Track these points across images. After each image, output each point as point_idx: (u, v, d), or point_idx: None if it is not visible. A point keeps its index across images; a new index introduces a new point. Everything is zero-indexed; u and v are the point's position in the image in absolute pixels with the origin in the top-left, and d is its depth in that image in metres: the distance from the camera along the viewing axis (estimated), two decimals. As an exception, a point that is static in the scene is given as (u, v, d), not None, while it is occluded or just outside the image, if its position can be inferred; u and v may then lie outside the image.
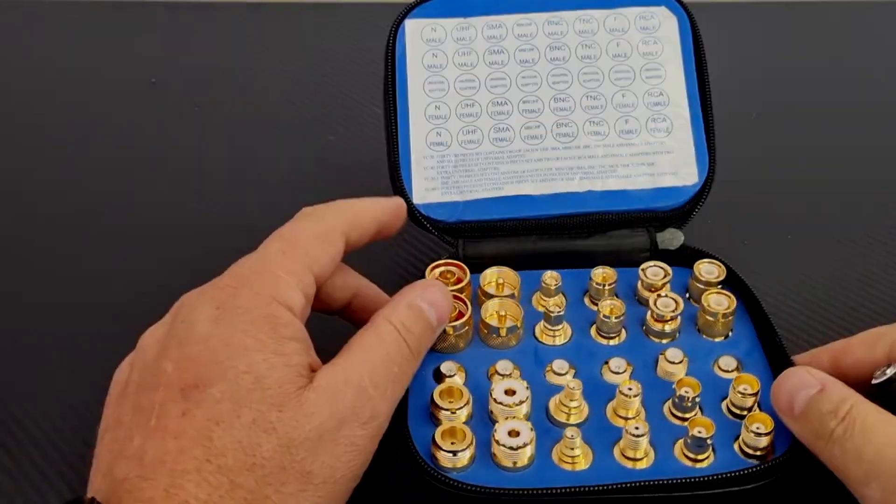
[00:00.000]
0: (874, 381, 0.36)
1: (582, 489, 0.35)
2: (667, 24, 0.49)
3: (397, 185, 0.47)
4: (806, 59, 0.70)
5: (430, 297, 0.38)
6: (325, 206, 0.40)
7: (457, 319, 0.41)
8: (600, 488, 0.35)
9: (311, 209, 0.40)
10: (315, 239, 0.37)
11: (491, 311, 0.43)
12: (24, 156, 0.62)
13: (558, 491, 0.35)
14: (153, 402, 0.32)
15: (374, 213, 0.41)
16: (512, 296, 0.44)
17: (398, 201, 0.44)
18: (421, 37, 0.49)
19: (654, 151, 0.48)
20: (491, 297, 0.44)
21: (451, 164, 0.47)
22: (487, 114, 0.48)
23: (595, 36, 0.49)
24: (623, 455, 0.37)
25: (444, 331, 0.41)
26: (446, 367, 0.41)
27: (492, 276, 0.45)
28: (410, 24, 0.49)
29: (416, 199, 0.47)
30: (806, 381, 0.35)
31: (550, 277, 0.44)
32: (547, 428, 0.38)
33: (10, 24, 0.77)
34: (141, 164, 0.61)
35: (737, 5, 0.77)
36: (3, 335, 0.48)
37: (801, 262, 0.51)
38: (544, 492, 0.35)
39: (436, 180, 0.47)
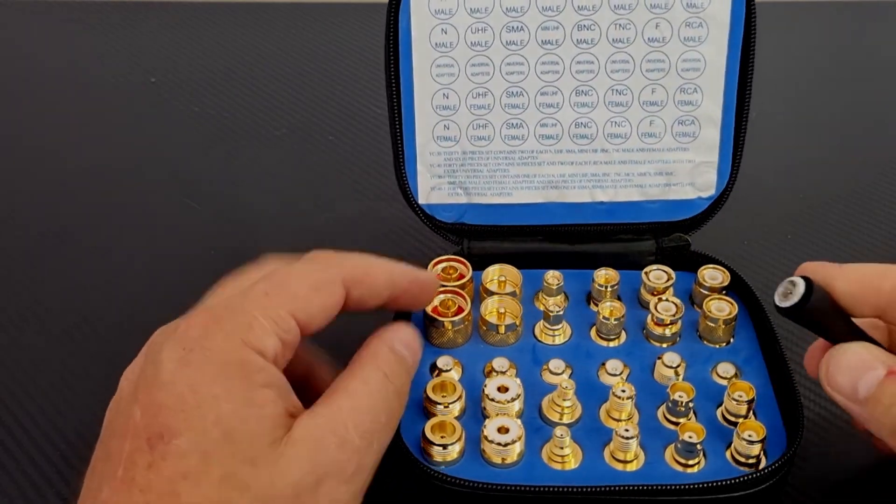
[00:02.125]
0: (781, 306, 0.34)
1: (568, 489, 0.35)
2: (718, 1, 0.43)
3: (402, 180, 0.45)
4: (807, 59, 0.70)
5: (405, 339, 0.36)
6: (333, 254, 0.36)
7: (456, 315, 0.42)
8: (586, 489, 0.35)
9: (318, 254, 0.36)
10: (308, 285, 0.34)
11: (491, 309, 0.43)
12: (24, 156, 0.62)
13: (545, 489, 0.35)
14: (121, 450, 0.30)
15: (389, 275, 0.37)
16: (513, 294, 0.44)
17: (427, 278, 0.40)
18: (428, 7, 0.43)
19: (675, 160, 0.45)
20: (492, 294, 0.44)
21: (458, 161, 0.46)
22: (501, 106, 0.44)
23: (632, 13, 0.43)
24: (613, 457, 0.37)
25: (443, 325, 0.41)
26: (443, 361, 0.41)
27: (494, 274, 0.45)
28: (414, 3, 0.43)
29: (421, 199, 0.46)
30: (868, 361, 0.33)
31: (552, 277, 0.44)
32: (539, 426, 0.38)
33: (10, 24, 0.77)
34: (140, 163, 0.61)
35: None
36: (3, 335, 0.48)
37: (802, 262, 0.51)
38: (531, 489, 0.35)
39: (442, 178, 0.46)
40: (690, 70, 0.44)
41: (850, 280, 0.35)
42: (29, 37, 0.76)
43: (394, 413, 0.34)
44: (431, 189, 0.46)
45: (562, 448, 0.37)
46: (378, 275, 0.36)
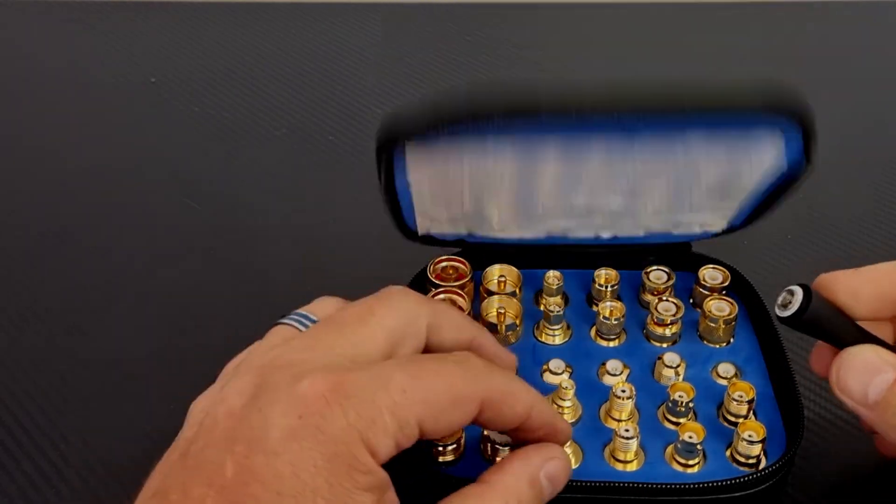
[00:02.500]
0: (781, 316, 0.34)
1: (568, 487, 0.35)
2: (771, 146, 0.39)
3: (398, 222, 0.42)
4: (808, 59, 0.70)
5: (553, 471, 0.32)
6: (487, 366, 0.32)
7: None
8: (586, 485, 0.35)
9: (473, 359, 0.32)
10: (449, 398, 0.30)
11: (491, 309, 0.43)
12: (24, 155, 0.62)
13: None
14: (205, 496, 0.28)
15: (527, 410, 0.32)
16: (513, 294, 0.44)
17: (563, 427, 0.34)
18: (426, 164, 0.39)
19: (695, 209, 0.43)
20: (492, 294, 0.44)
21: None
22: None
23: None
24: (612, 457, 0.37)
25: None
26: None
27: (494, 274, 0.45)
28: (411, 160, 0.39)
29: (421, 230, 0.43)
30: (878, 364, 0.33)
31: (553, 277, 0.44)
32: None
33: (10, 24, 0.77)
34: (140, 163, 0.61)
35: (738, 5, 0.77)
36: (3, 335, 0.48)
37: (802, 262, 0.51)
38: None
39: (441, 219, 0.43)
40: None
41: (850, 282, 0.35)
42: (29, 37, 0.76)
43: None
44: (431, 221, 0.43)
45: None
46: (517, 407, 0.32)
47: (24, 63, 0.72)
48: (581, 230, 0.44)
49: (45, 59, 0.73)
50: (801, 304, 0.33)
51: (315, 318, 0.35)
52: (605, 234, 0.45)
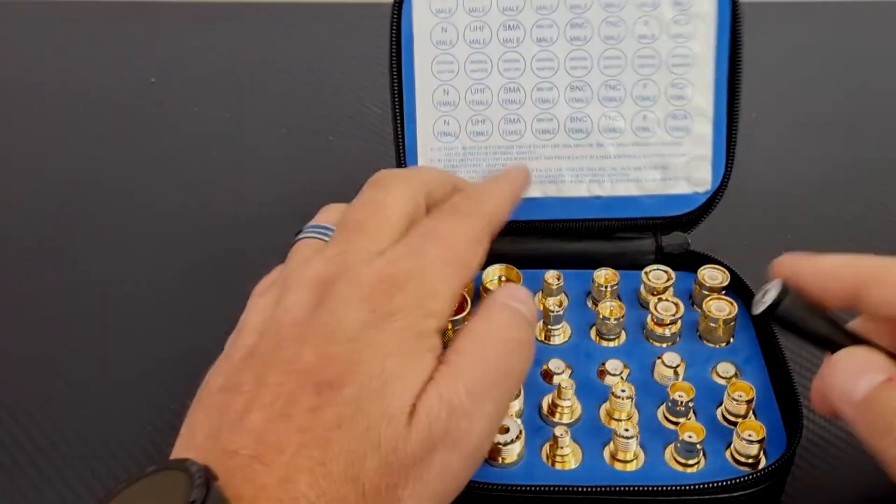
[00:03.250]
0: (754, 313, 0.35)
1: (568, 489, 0.35)
2: (703, 3, 0.45)
3: None
4: (808, 59, 0.70)
5: (516, 294, 0.35)
6: (476, 202, 0.37)
7: (456, 315, 0.42)
8: (586, 489, 0.35)
9: (461, 202, 0.36)
10: (471, 244, 0.35)
11: None
12: (23, 156, 0.62)
13: (545, 489, 0.35)
14: (283, 385, 0.30)
15: (514, 196, 0.39)
16: None
17: (525, 172, 0.42)
18: (430, 7, 0.45)
19: (669, 154, 0.46)
20: None
21: (458, 157, 0.46)
22: (498, 102, 0.46)
23: (622, 11, 0.45)
24: (612, 457, 0.37)
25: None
26: None
27: (494, 274, 0.45)
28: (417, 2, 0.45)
29: None
30: (867, 364, 0.33)
31: (552, 277, 0.44)
32: (538, 426, 0.38)
33: (10, 24, 0.77)
34: (140, 163, 0.61)
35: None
36: (3, 335, 0.48)
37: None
38: (531, 489, 0.35)
39: None
40: (680, 65, 0.45)
41: (817, 271, 0.35)
42: (29, 37, 0.76)
43: (510, 368, 0.33)
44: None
45: (562, 448, 0.37)
46: (510, 206, 0.38)
47: (23, 63, 0.72)
48: (572, 181, 0.46)
49: (45, 60, 0.73)
50: (775, 299, 0.33)
51: (332, 227, 0.37)
52: (598, 191, 0.46)
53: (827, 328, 0.35)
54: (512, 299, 0.35)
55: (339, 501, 0.29)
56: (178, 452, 0.31)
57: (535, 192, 0.47)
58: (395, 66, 0.45)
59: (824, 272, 0.35)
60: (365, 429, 0.29)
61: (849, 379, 0.33)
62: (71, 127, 0.65)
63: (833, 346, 0.34)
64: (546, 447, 0.37)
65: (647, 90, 0.45)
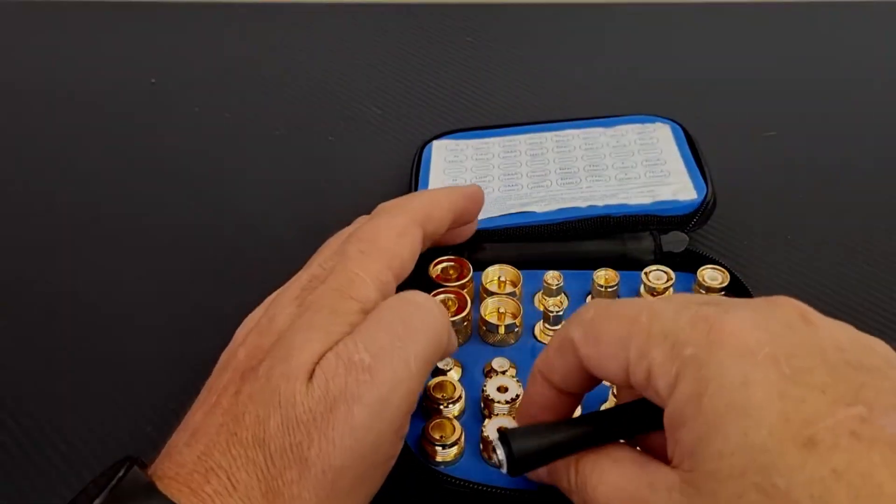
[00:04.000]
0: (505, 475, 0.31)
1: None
2: (661, 130, 0.55)
3: None
4: (808, 60, 0.70)
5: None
6: (400, 201, 0.40)
7: (456, 315, 0.42)
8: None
9: (387, 205, 0.40)
10: (393, 236, 0.38)
11: (491, 309, 0.43)
12: (23, 156, 0.62)
13: (544, 489, 0.35)
14: (219, 384, 0.33)
15: (449, 201, 0.42)
16: (513, 294, 0.44)
17: (475, 188, 0.44)
18: (445, 148, 0.57)
19: (655, 184, 0.50)
20: (492, 294, 0.44)
21: None
22: (498, 178, 0.53)
23: (598, 139, 0.56)
24: None
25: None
26: (443, 361, 0.41)
27: (494, 274, 0.45)
28: (437, 143, 0.57)
29: None
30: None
31: (552, 277, 0.44)
32: None
33: (10, 24, 0.77)
34: (141, 164, 0.61)
35: (737, 6, 0.77)
36: (3, 335, 0.48)
37: (802, 263, 0.51)
38: (530, 490, 0.35)
39: None
40: (650, 151, 0.54)
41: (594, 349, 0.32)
42: (29, 37, 0.76)
43: (412, 324, 0.33)
44: None
45: None
46: (443, 204, 0.41)
47: (23, 63, 0.72)
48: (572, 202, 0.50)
49: (45, 60, 0.73)
50: (508, 455, 0.31)
51: None
52: (595, 204, 0.49)
53: (567, 433, 0.31)
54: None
55: (250, 465, 0.30)
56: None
57: (534, 209, 0.49)
58: (414, 179, 0.54)
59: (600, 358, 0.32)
60: (270, 392, 0.31)
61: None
62: (71, 127, 0.65)
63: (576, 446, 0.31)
64: None
65: (625, 164, 0.53)
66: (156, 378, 0.45)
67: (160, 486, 0.29)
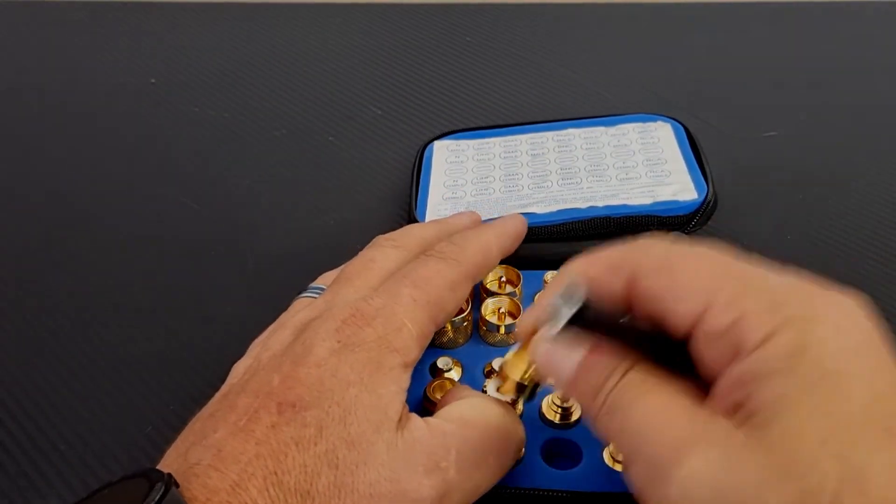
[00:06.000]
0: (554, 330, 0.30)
1: (568, 493, 0.35)
2: (663, 129, 0.56)
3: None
4: (808, 60, 0.70)
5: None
6: (459, 249, 0.39)
7: (456, 315, 0.42)
8: (586, 494, 0.35)
9: (446, 248, 0.39)
10: (447, 289, 0.37)
11: (491, 309, 0.43)
12: (23, 156, 0.62)
13: (544, 493, 0.35)
14: (249, 406, 0.32)
15: (499, 249, 0.41)
16: (513, 294, 0.44)
17: (521, 224, 0.43)
18: (447, 149, 0.57)
19: (655, 184, 0.50)
20: (492, 294, 0.44)
21: (463, 207, 0.51)
22: (500, 179, 0.53)
23: (599, 139, 0.56)
24: (612, 457, 0.37)
25: (444, 325, 0.41)
26: (443, 361, 0.41)
27: (494, 274, 0.45)
28: (438, 143, 0.57)
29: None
30: (569, 341, 0.31)
31: (553, 277, 0.44)
32: (538, 427, 0.38)
33: (10, 24, 0.77)
34: (141, 164, 0.61)
35: (737, 6, 0.77)
36: (3, 335, 0.48)
37: (803, 263, 0.51)
38: (530, 489, 0.35)
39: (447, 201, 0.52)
40: (652, 151, 0.54)
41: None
42: (28, 37, 0.76)
43: (501, 461, 0.34)
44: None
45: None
46: (494, 253, 0.40)
47: (23, 63, 0.72)
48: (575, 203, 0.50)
49: (45, 59, 0.73)
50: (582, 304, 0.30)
51: (320, 288, 0.41)
52: (596, 204, 0.49)
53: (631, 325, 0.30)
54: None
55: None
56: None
57: (534, 209, 0.49)
58: (415, 182, 0.54)
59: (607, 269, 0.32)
60: (324, 451, 0.31)
61: (553, 360, 0.31)
62: (70, 127, 0.65)
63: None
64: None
65: (626, 163, 0.53)
66: (156, 378, 0.45)
67: None
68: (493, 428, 0.34)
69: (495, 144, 0.57)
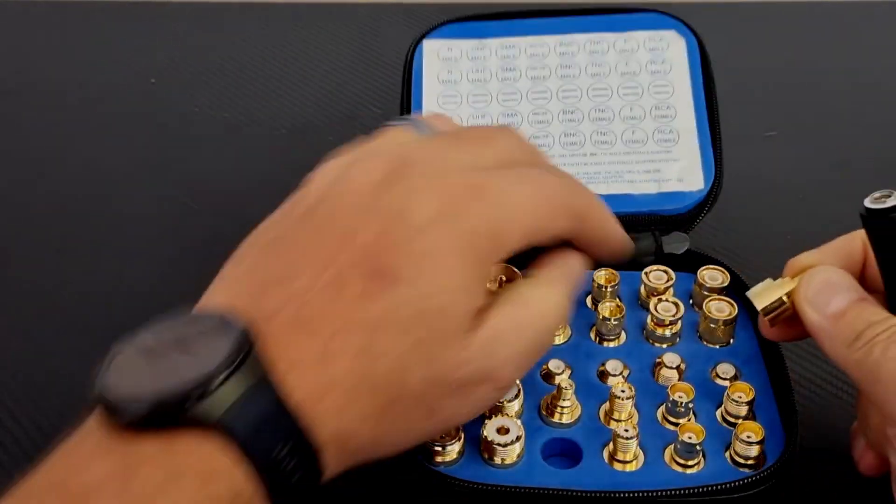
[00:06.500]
0: (867, 210, 0.35)
1: (567, 491, 0.35)
2: (675, 46, 0.51)
3: None
4: (808, 60, 0.70)
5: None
6: (578, 184, 0.36)
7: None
8: (585, 494, 0.35)
9: (568, 176, 0.36)
10: (560, 208, 0.34)
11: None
12: (23, 156, 0.62)
13: (544, 492, 0.35)
14: (334, 256, 0.29)
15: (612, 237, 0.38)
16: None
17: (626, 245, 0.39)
18: (437, 55, 0.52)
19: (661, 160, 0.49)
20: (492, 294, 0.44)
21: None
22: (497, 120, 0.50)
23: (605, 56, 0.51)
24: (612, 457, 0.37)
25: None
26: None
27: (495, 275, 0.45)
28: (428, 44, 0.52)
29: None
30: (845, 283, 0.35)
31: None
32: (538, 426, 0.38)
33: (10, 24, 0.77)
34: (141, 164, 0.61)
35: (737, 6, 0.77)
36: (3, 335, 0.48)
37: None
38: (530, 490, 0.35)
39: None
40: (661, 93, 0.50)
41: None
42: (29, 37, 0.76)
43: (549, 338, 0.36)
44: None
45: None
46: (607, 226, 0.37)
47: (23, 63, 0.72)
48: None
49: (45, 59, 0.73)
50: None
51: (426, 127, 0.36)
52: (594, 191, 0.47)
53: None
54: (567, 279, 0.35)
55: (372, 396, 0.28)
56: (214, 299, 0.30)
57: None
58: (405, 100, 0.50)
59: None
60: (415, 341, 0.29)
61: (825, 292, 0.35)
62: (70, 127, 0.65)
63: None
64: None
65: (633, 112, 0.49)
66: (155, 378, 0.45)
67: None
68: (551, 318, 0.34)
69: (491, 55, 0.51)
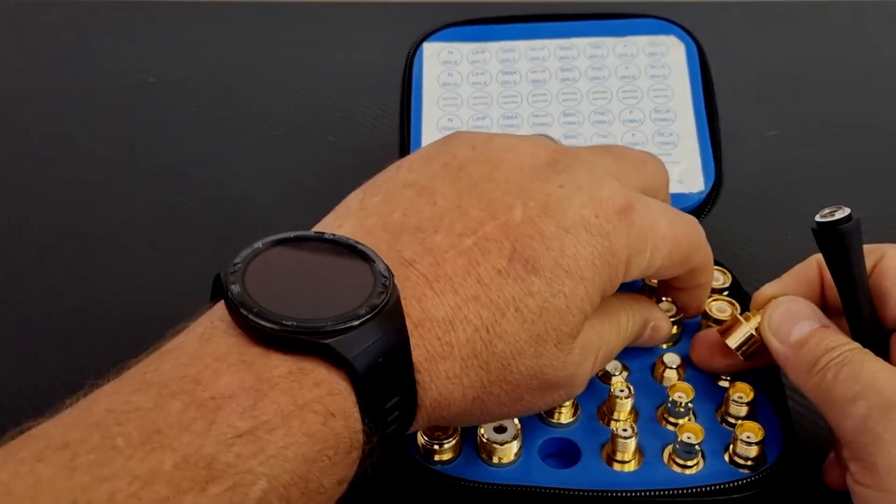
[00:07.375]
0: (819, 220, 0.35)
1: (565, 491, 0.35)
2: (675, 51, 0.51)
3: None
4: (809, 60, 0.70)
5: (660, 325, 0.40)
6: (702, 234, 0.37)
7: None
8: (584, 494, 0.35)
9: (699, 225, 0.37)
10: (686, 253, 0.36)
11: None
12: (22, 156, 0.62)
13: (542, 490, 0.35)
14: (480, 226, 0.30)
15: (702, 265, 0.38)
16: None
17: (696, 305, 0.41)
18: (438, 59, 0.52)
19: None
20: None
21: None
22: (498, 126, 0.50)
23: (605, 60, 0.51)
24: (610, 457, 0.37)
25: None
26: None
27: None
28: (428, 47, 0.52)
29: None
30: (808, 313, 0.36)
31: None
32: (537, 426, 0.38)
33: (11, 24, 0.77)
34: (140, 164, 0.61)
35: (737, 6, 0.77)
36: (3, 335, 0.48)
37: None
38: (528, 489, 0.35)
39: None
40: (660, 97, 0.50)
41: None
42: (28, 37, 0.76)
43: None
44: None
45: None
46: (707, 275, 0.38)
47: (23, 63, 0.72)
48: None
49: (45, 59, 0.73)
50: (844, 216, 0.34)
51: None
52: None
53: (860, 272, 0.35)
54: (653, 327, 0.39)
55: (483, 371, 0.29)
56: (345, 224, 0.31)
57: None
58: (405, 102, 0.50)
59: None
60: (532, 336, 0.30)
61: (786, 322, 0.36)
62: (70, 127, 0.65)
63: (852, 293, 0.35)
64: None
65: (633, 115, 0.50)
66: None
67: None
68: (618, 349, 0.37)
69: (492, 58, 0.52)
